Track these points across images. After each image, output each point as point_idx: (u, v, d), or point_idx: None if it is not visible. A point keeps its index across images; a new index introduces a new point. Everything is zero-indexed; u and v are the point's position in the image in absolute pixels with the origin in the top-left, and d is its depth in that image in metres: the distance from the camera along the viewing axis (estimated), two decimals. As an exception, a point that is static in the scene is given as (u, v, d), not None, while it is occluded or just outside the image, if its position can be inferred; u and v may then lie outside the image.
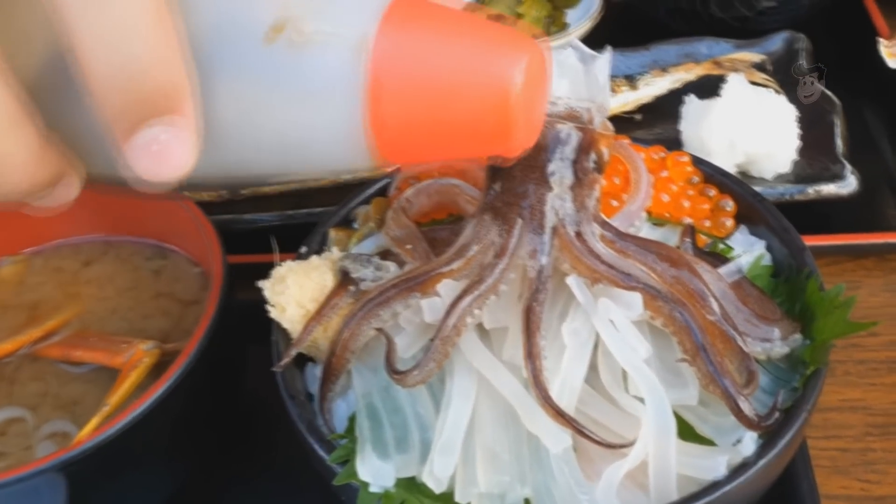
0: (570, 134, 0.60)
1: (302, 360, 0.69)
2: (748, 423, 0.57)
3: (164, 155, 0.41)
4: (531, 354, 0.57)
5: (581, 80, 0.61)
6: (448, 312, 0.59)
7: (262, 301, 0.67)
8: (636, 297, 0.59)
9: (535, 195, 0.60)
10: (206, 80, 0.43)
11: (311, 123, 0.45)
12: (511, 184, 0.61)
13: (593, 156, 0.60)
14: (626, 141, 0.75)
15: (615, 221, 0.67)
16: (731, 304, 0.62)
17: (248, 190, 1.03)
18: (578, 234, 0.61)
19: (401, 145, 0.46)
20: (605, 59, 0.60)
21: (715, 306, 0.59)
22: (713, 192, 0.74)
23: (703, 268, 0.62)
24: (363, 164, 0.47)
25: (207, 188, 0.49)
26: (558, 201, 0.60)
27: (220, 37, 0.44)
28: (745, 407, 0.56)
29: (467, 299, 0.59)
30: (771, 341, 0.62)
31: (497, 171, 0.61)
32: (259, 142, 0.46)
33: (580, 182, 0.61)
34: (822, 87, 1.02)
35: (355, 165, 0.48)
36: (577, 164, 0.60)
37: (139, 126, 0.40)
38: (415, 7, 0.45)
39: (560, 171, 0.60)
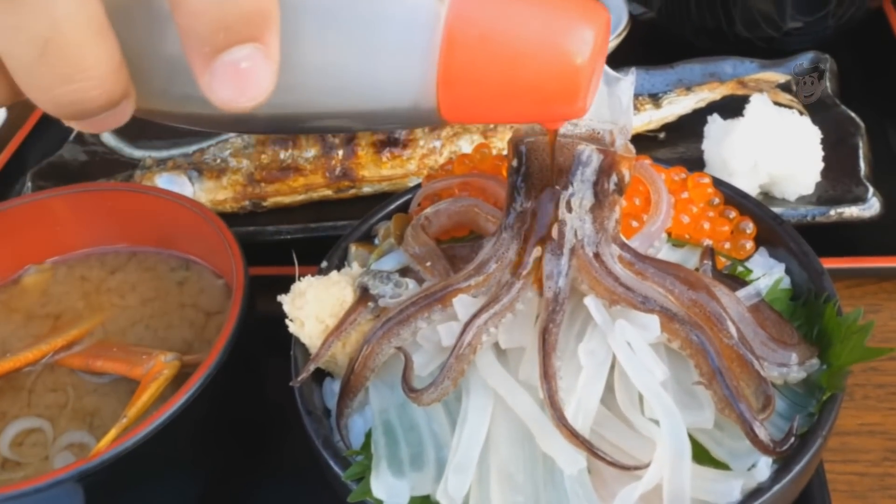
0: (591, 156, 0.60)
1: (320, 375, 0.70)
2: (763, 448, 0.57)
3: (245, 79, 0.41)
4: (546, 375, 0.57)
5: (604, 101, 0.61)
6: (464, 330, 0.59)
7: (282, 314, 0.68)
8: (653, 320, 0.59)
9: (554, 216, 0.61)
10: (288, 11, 0.43)
11: (383, 65, 0.46)
12: (531, 204, 0.61)
13: (614, 178, 0.61)
14: (647, 161, 0.75)
15: (634, 242, 0.67)
16: (748, 327, 0.62)
17: (271, 202, 1.04)
18: (597, 256, 0.61)
19: (466, 99, 0.47)
20: (628, 82, 0.61)
21: (732, 330, 0.59)
22: (733, 213, 0.74)
23: (721, 291, 0.62)
24: (426, 115, 0.48)
25: (269, 126, 0.50)
26: (578, 222, 0.61)
27: None
28: (761, 432, 0.56)
29: (483, 317, 0.60)
30: (788, 366, 0.61)
31: (518, 191, 0.62)
32: (331, 79, 0.46)
33: (600, 204, 0.61)
34: (846, 109, 1.01)
35: (418, 115, 0.49)
36: (597, 185, 0.60)
37: (224, 50, 0.41)
38: None
39: (580, 192, 0.60)
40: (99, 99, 0.42)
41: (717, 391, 0.58)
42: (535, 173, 0.61)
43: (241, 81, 0.41)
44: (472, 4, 0.45)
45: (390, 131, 1.01)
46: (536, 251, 0.61)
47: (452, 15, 0.45)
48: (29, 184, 1.06)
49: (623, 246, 0.63)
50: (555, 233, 0.61)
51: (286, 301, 0.68)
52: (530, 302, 0.61)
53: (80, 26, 0.39)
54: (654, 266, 0.62)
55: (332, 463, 0.61)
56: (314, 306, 0.67)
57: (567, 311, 0.60)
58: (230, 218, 1.03)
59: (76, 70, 0.40)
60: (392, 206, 0.79)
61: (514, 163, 0.62)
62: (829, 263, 0.82)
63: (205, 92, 0.42)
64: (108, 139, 1.15)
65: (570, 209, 0.60)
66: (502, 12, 0.46)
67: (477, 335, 0.59)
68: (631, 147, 0.62)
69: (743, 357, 0.59)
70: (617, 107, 0.61)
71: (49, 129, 1.23)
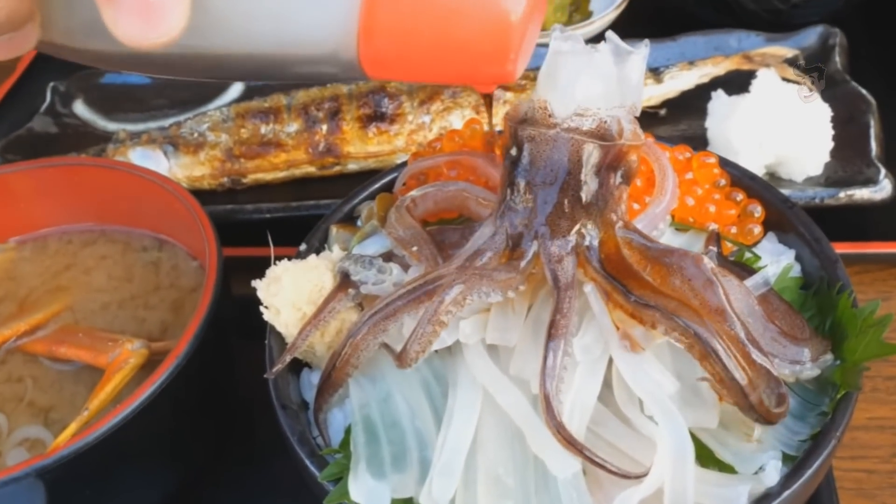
0: (593, 153, 0.56)
1: (297, 365, 0.66)
2: (757, 413, 0.52)
3: (154, 14, 0.38)
4: (545, 369, 0.53)
5: (614, 84, 0.57)
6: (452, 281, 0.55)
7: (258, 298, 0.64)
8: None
9: (558, 213, 0.57)
10: None
11: (301, 8, 0.44)
12: (531, 197, 0.58)
13: (621, 169, 0.57)
14: (651, 140, 0.70)
15: (638, 224, 0.62)
16: (758, 322, 0.57)
17: (251, 178, 0.99)
18: (600, 250, 0.58)
19: (388, 53, 0.45)
20: (640, 56, 0.57)
21: (738, 328, 0.55)
22: (741, 196, 0.70)
23: (729, 282, 0.58)
24: (346, 67, 0.46)
25: (178, 69, 0.47)
26: (583, 218, 0.57)
27: None
28: (754, 398, 0.52)
29: (473, 280, 0.55)
30: (801, 363, 0.57)
31: (516, 183, 0.58)
32: (249, 21, 0.44)
33: (605, 199, 0.57)
34: (857, 85, 0.97)
35: (338, 66, 0.46)
36: (602, 181, 0.57)
37: None
38: None
39: (586, 187, 0.57)
40: (1, 18, 0.38)
41: (709, 368, 0.53)
42: (537, 167, 0.57)
43: (149, 16, 0.38)
44: None
45: (376, 104, 0.97)
46: (535, 245, 0.57)
47: None
48: (-3, 157, 1.01)
49: (629, 231, 0.59)
50: (558, 228, 0.57)
51: (261, 287, 0.64)
52: (521, 294, 0.58)
53: None
54: (658, 254, 0.58)
55: (307, 462, 0.57)
56: (291, 293, 0.63)
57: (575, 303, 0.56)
58: (208, 196, 0.98)
59: None
60: (377, 185, 0.75)
61: (514, 152, 0.58)
62: (838, 248, 0.78)
63: (108, 26, 0.38)
64: (82, 111, 1.11)
65: (573, 206, 0.57)
66: None
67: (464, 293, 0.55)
68: (639, 132, 0.57)
69: (750, 356, 0.54)
70: (626, 84, 0.57)
71: (19, 100, 1.18)
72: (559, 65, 0.56)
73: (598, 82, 0.56)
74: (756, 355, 0.53)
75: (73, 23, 0.44)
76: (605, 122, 0.56)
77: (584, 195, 0.57)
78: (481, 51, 0.45)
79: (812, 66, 1.00)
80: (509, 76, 0.47)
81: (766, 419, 0.53)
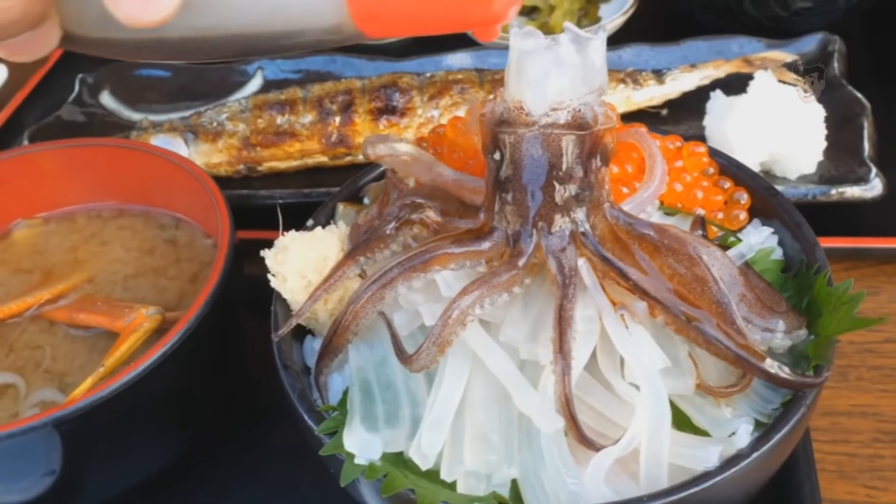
0: (573, 144, 0.59)
1: (300, 333, 0.69)
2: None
3: None
4: (562, 350, 0.56)
5: (579, 72, 0.59)
6: (456, 300, 0.58)
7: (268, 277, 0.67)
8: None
9: (550, 205, 0.60)
10: None
11: None
12: (524, 195, 0.60)
13: (599, 153, 0.60)
14: (643, 129, 0.73)
15: (626, 206, 0.65)
16: (735, 289, 0.60)
17: (266, 166, 1.03)
18: (594, 233, 0.61)
19: (376, 7, 0.46)
20: (599, 40, 0.58)
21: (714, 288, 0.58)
22: (728, 184, 0.73)
23: (711, 252, 0.61)
24: (338, 26, 0.47)
25: (184, 50, 0.48)
26: (573, 208, 0.60)
27: None
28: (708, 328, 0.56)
29: (474, 294, 0.58)
30: (772, 332, 0.60)
31: (503, 184, 0.60)
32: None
33: (590, 184, 0.60)
34: (853, 90, 1.00)
35: (329, 27, 0.47)
36: (585, 168, 0.59)
37: None
38: None
39: (572, 177, 0.59)
40: (17, 14, 0.40)
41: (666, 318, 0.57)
42: (523, 166, 0.60)
43: None
44: None
45: (387, 98, 1.00)
46: (534, 240, 0.60)
47: None
48: (26, 143, 1.05)
49: (615, 211, 0.62)
50: (555, 221, 0.60)
51: (269, 255, 0.67)
52: (526, 286, 0.61)
53: None
54: (645, 232, 0.61)
55: (305, 416, 0.60)
56: (297, 262, 0.67)
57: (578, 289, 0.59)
58: (224, 182, 1.02)
59: None
60: (382, 168, 0.78)
61: (497, 156, 0.60)
62: (829, 243, 0.81)
63: (108, 6, 0.40)
64: (108, 101, 1.15)
65: (563, 197, 0.60)
66: None
67: (464, 313, 0.58)
68: (610, 113, 0.60)
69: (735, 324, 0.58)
70: (590, 68, 0.58)
71: (49, 90, 1.22)
72: (527, 63, 0.57)
73: (565, 73, 0.58)
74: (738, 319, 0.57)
75: (87, 13, 0.46)
76: (580, 111, 0.58)
77: (572, 185, 0.59)
78: None
79: (809, 69, 1.03)
80: (499, 17, 0.48)
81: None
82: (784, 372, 0.56)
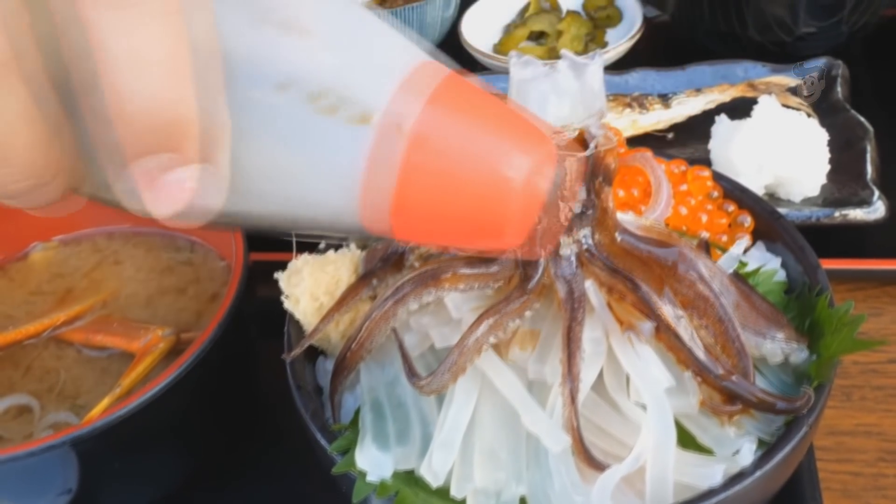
0: (576, 167, 0.59)
1: (313, 354, 0.70)
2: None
3: (165, 189, 0.39)
4: (571, 374, 0.57)
5: (578, 97, 0.61)
6: (472, 330, 0.59)
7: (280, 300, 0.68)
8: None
9: (559, 230, 0.60)
10: (241, 130, 0.41)
11: (327, 188, 0.43)
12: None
13: (602, 173, 0.61)
14: (648, 153, 0.75)
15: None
16: (729, 297, 0.61)
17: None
18: (598, 249, 0.62)
19: (413, 226, 0.45)
20: (596, 65, 0.60)
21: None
22: (732, 207, 0.74)
23: (704, 262, 0.62)
24: (379, 234, 0.46)
25: (217, 224, 0.48)
26: (580, 229, 0.61)
27: (256, 94, 0.41)
28: (700, 354, 0.57)
29: (491, 320, 0.59)
30: (764, 337, 0.61)
31: None
32: (277, 203, 0.44)
33: (594, 204, 0.61)
34: (856, 114, 1.01)
35: (366, 234, 0.47)
36: (588, 188, 0.60)
37: (143, 155, 0.39)
38: (449, 91, 0.43)
39: (577, 199, 0.60)
40: (23, 186, 0.40)
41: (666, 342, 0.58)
42: None
43: (161, 189, 0.39)
44: (428, 140, 0.42)
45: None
46: (542, 264, 0.61)
47: (410, 149, 0.42)
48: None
49: (620, 230, 0.63)
50: (563, 244, 0.61)
51: (282, 277, 0.68)
52: (537, 311, 0.61)
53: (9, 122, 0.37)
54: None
55: (318, 436, 0.62)
56: (310, 284, 0.68)
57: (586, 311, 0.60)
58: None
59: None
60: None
61: None
62: (832, 265, 0.82)
63: (132, 194, 0.40)
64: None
65: (570, 219, 0.60)
66: (454, 147, 0.42)
67: (485, 336, 0.59)
68: (611, 134, 0.61)
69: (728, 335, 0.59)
70: (589, 93, 0.60)
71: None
72: (527, 92, 0.59)
73: (564, 100, 0.59)
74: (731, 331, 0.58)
75: (99, 184, 0.44)
76: (580, 133, 0.59)
77: (578, 207, 0.60)
78: (480, 226, 0.44)
79: (812, 93, 1.04)
80: (510, 245, 0.48)
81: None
82: (771, 397, 0.58)
